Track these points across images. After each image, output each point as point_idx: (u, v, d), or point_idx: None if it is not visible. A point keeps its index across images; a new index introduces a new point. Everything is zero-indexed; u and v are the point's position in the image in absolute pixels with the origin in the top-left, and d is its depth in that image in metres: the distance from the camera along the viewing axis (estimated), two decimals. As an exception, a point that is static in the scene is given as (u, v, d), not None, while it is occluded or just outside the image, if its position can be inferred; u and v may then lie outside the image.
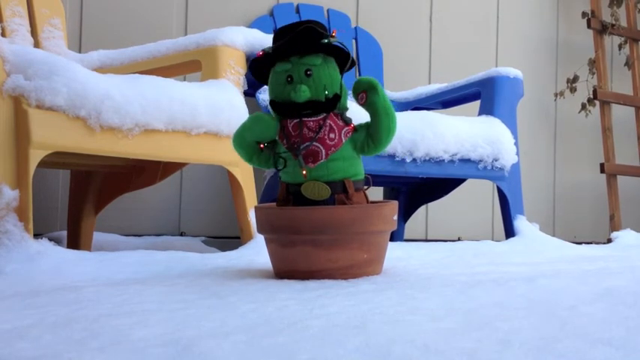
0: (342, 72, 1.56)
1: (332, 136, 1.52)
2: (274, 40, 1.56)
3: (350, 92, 1.57)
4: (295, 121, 1.52)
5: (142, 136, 1.85)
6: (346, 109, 1.56)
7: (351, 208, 1.50)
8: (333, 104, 1.52)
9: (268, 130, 1.53)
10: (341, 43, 1.53)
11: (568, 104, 3.73)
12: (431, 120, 2.43)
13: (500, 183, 2.60)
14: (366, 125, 1.55)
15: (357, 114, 1.58)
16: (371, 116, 1.54)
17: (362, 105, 1.54)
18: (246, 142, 1.56)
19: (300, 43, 1.52)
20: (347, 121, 1.54)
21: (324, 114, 1.52)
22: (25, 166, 1.67)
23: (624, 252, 2.38)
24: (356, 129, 1.55)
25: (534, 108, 3.66)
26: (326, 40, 1.52)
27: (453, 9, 3.47)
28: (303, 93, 1.49)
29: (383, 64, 3.15)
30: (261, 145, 1.56)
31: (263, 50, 1.56)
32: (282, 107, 1.53)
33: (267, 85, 1.59)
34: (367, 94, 1.52)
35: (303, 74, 1.51)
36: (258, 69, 1.59)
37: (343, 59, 1.56)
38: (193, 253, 1.91)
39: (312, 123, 1.51)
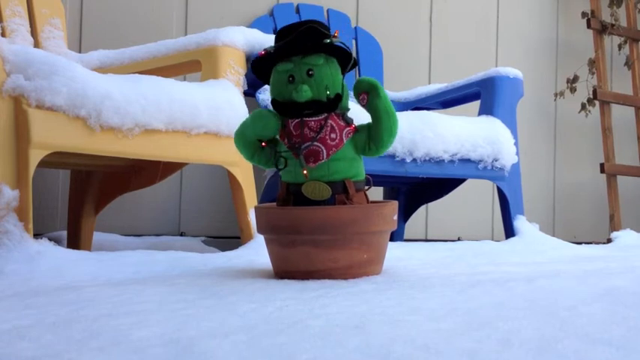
0: (343, 72, 1.56)
1: (333, 136, 1.52)
2: (276, 39, 1.56)
3: (351, 92, 1.57)
4: (296, 120, 1.52)
5: (142, 136, 1.85)
6: (348, 109, 1.56)
7: (351, 208, 1.50)
8: (334, 104, 1.52)
9: (269, 127, 1.53)
10: (343, 44, 1.53)
11: (568, 104, 3.73)
12: (431, 120, 2.43)
13: (500, 183, 2.60)
14: (368, 126, 1.55)
15: (359, 114, 1.58)
16: (372, 118, 1.53)
17: (363, 106, 1.54)
18: (248, 139, 1.56)
19: (302, 42, 1.52)
20: (348, 122, 1.54)
21: (326, 114, 1.52)
22: (25, 166, 1.67)
23: (624, 252, 2.38)
24: (357, 129, 1.55)
25: (534, 108, 3.66)
26: (328, 40, 1.51)
27: (453, 9, 3.47)
28: (305, 93, 1.49)
29: (383, 64, 3.15)
30: (263, 143, 1.55)
31: (265, 50, 1.56)
32: (284, 107, 1.53)
33: (268, 84, 1.59)
34: (368, 95, 1.52)
35: (304, 74, 1.51)
36: (260, 68, 1.59)
37: (345, 59, 1.56)
38: (193, 253, 1.91)
39: (313, 123, 1.51)
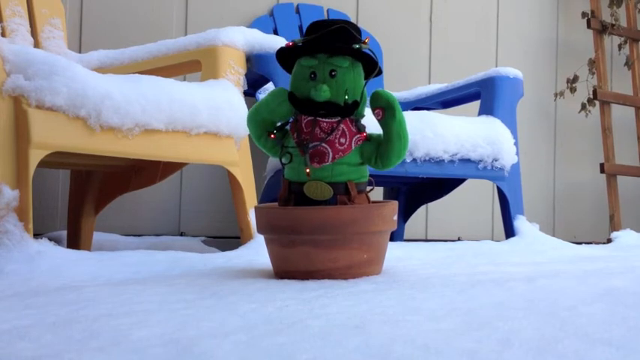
0: (367, 78, 1.54)
1: (342, 140, 1.51)
2: (306, 33, 1.54)
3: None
4: (309, 118, 1.51)
5: (142, 136, 1.85)
6: (362, 115, 1.54)
7: (351, 208, 1.50)
8: (350, 110, 1.51)
9: (284, 107, 1.52)
10: (371, 51, 1.51)
11: (568, 104, 3.73)
12: (431, 120, 2.43)
13: (500, 183, 2.60)
14: (378, 138, 1.53)
15: (373, 122, 1.56)
16: (384, 137, 1.52)
17: (378, 120, 1.52)
18: (261, 117, 1.55)
19: (330, 42, 1.50)
20: (360, 129, 1.52)
21: (339, 117, 1.50)
22: (25, 166, 1.67)
23: (624, 252, 2.38)
24: (368, 138, 1.53)
25: (534, 108, 3.66)
26: (357, 46, 1.50)
27: (453, 9, 3.47)
28: (324, 93, 1.48)
29: (383, 64, 3.15)
30: (272, 135, 1.55)
31: (293, 41, 1.54)
32: (300, 103, 1.51)
33: (290, 73, 1.57)
34: (384, 112, 1.50)
35: (327, 74, 1.50)
36: (284, 58, 1.57)
37: (370, 66, 1.53)
38: (193, 253, 1.91)
39: (325, 124, 1.50)
